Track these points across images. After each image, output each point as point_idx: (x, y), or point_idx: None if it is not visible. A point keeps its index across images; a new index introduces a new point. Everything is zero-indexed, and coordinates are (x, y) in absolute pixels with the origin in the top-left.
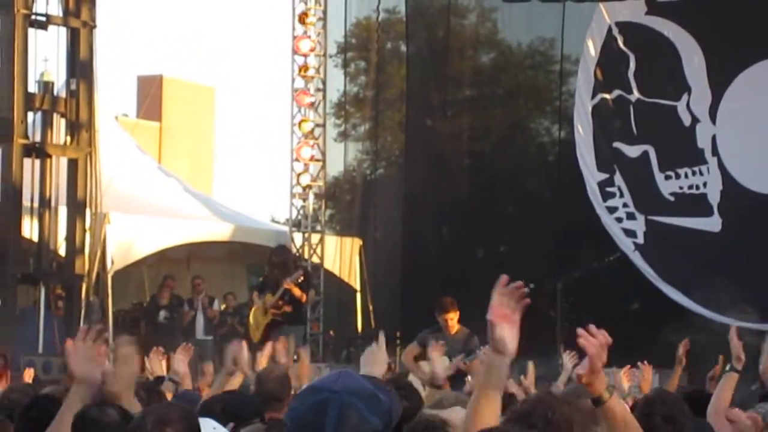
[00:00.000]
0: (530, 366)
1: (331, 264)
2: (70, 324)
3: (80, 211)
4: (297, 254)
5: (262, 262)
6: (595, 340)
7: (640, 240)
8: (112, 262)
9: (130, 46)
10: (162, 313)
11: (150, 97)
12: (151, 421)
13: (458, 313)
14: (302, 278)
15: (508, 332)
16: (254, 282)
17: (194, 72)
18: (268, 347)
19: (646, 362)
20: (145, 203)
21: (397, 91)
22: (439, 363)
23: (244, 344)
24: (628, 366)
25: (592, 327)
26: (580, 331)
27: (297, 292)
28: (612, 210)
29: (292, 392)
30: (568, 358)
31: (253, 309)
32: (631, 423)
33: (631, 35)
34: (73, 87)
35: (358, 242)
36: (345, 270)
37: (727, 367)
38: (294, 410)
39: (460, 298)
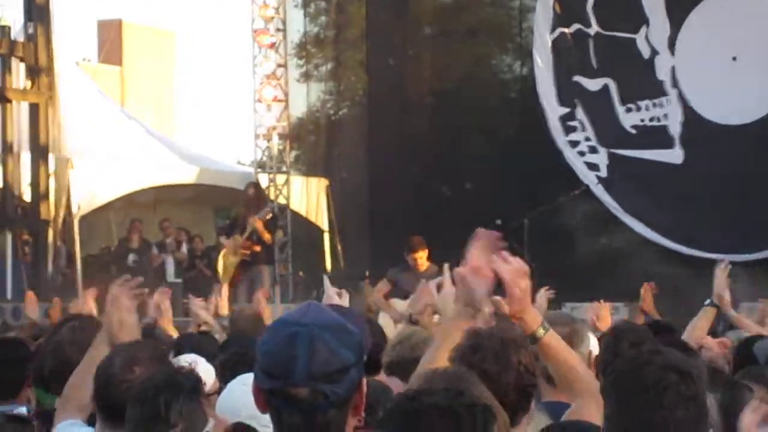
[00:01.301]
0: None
1: (297, 205)
2: (38, 269)
3: (43, 156)
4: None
5: (228, 205)
6: (509, 265)
7: (603, 173)
8: (78, 207)
9: None
10: (131, 257)
11: (110, 41)
12: (119, 362)
13: (427, 251)
14: (270, 216)
15: (480, 288)
16: (221, 224)
17: (154, 16)
18: (224, 290)
19: (602, 301)
20: (109, 147)
21: (358, 30)
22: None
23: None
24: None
25: (505, 253)
26: (492, 258)
27: (263, 231)
28: (574, 144)
29: None
30: (542, 294)
31: (222, 251)
32: (573, 359)
33: None
34: (31, 31)
35: (324, 182)
36: (312, 210)
37: (707, 302)
38: (264, 344)
39: (427, 235)
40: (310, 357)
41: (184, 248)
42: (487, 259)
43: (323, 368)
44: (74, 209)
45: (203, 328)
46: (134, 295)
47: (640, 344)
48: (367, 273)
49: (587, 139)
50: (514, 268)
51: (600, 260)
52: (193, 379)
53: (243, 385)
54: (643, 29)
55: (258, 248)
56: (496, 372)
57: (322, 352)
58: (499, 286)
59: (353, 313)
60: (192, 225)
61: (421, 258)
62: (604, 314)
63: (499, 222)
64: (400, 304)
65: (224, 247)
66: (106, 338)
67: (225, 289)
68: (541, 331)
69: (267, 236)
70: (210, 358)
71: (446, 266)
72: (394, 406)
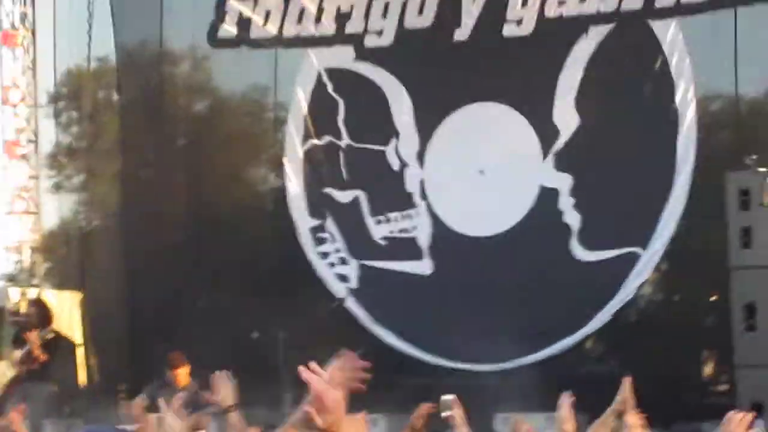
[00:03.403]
0: None
1: None
2: None
3: None
4: (13, 310)
5: None
6: (317, 375)
7: (354, 284)
8: None
9: None
10: None
11: None
12: None
13: (188, 366)
14: (50, 336)
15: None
16: None
17: None
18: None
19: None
20: None
21: (111, 141)
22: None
23: None
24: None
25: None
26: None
27: (39, 350)
28: (324, 255)
29: None
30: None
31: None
32: None
33: (340, 81)
34: None
35: (77, 295)
36: (65, 324)
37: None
38: None
39: (186, 347)
40: None
41: None
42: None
43: None
44: None
45: None
46: None
47: None
48: (123, 387)
49: (337, 250)
50: (323, 379)
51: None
52: None
53: None
54: (393, 141)
55: (35, 366)
56: None
57: None
58: None
59: None
60: None
61: (181, 375)
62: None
63: (256, 335)
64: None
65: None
66: None
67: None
68: None
69: (42, 356)
70: None
71: None
72: None
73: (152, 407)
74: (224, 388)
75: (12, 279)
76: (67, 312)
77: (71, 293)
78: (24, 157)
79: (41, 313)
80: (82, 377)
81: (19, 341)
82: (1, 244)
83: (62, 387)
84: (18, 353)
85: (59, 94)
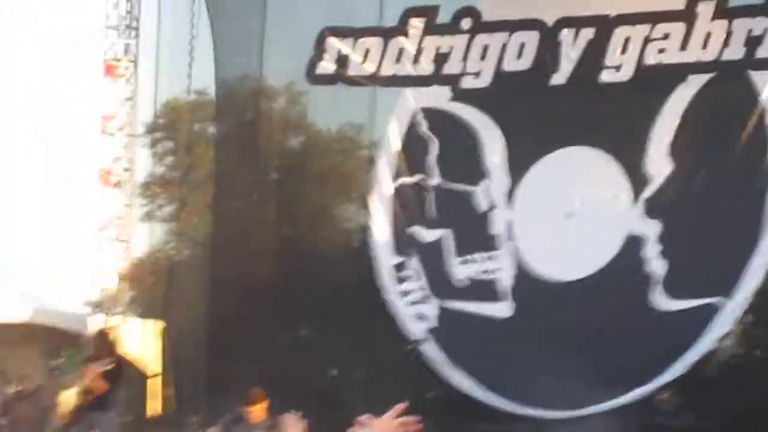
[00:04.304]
0: None
1: (132, 347)
2: None
3: None
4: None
5: (59, 345)
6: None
7: (433, 324)
8: None
9: None
10: None
11: None
12: None
13: (265, 403)
14: (111, 366)
15: None
16: (51, 366)
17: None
18: None
19: None
20: None
21: (205, 172)
22: None
23: None
24: None
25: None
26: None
27: (98, 380)
28: (405, 294)
29: None
30: None
31: (64, 392)
32: None
33: (435, 121)
34: None
35: (160, 325)
36: (147, 354)
37: None
38: None
39: (264, 382)
40: None
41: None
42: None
43: None
44: None
45: None
46: None
47: None
48: (195, 419)
49: (420, 289)
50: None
51: (432, 416)
52: None
53: None
54: (484, 182)
55: (98, 394)
56: None
57: None
58: None
59: None
60: (20, 364)
61: (257, 411)
62: None
63: (335, 373)
64: None
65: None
66: None
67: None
68: None
69: (102, 386)
70: None
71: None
72: None
73: None
74: (293, 430)
75: (97, 306)
76: (149, 341)
77: (154, 322)
78: (118, 185)
79: (103, 344)
80: (155, 407)
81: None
82: (89, 270)
83: (135, 417)
84: (81, 382)
85: (157, 125)
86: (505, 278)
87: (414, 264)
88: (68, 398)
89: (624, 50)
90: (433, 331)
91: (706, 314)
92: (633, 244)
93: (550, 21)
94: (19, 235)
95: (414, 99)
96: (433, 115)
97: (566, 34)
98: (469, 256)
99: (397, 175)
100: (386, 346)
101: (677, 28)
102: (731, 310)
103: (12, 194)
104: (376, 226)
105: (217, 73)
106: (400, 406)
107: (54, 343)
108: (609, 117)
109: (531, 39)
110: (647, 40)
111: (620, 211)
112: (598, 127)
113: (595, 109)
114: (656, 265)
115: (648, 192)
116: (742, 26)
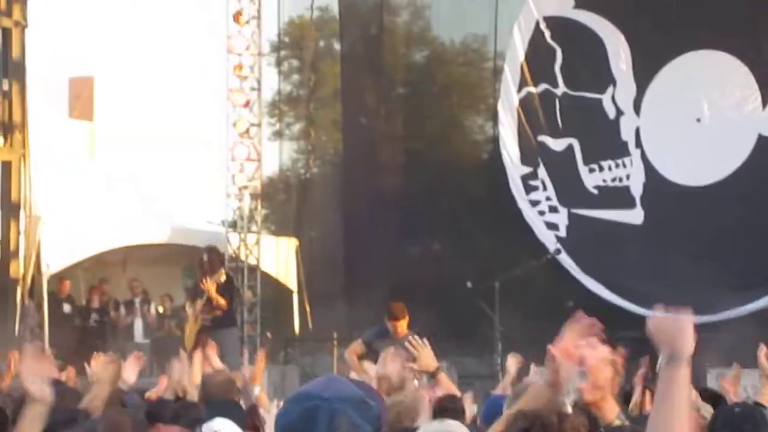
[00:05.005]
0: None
1: (267, 265)
2: (6, 328)
3: (15, 213)
4: (233, 255)
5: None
6: (596, 353)
7: (562, 233)
8: (48, 266)
9: (61, 46)
10: (93, 317)
11: (82, 98)
12: (103, 429)
13: (407, 318)
14: (223, 278)
15: (565, 371)
16: (188, 284)
17: (127, 73)
18: (197, 357)
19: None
20: (80, 206)
21: (331, 89)
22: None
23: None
24: None
25: (594, 340)
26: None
27: (213, 295)
28: (534, 203)
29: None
30: (512, 362)
31: (189, 319)
32: None
33: (558, 29)
34: (6, 88)
35: (294, 242)
36: (282, 271)
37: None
38: (283, 417)
39: (399, 295)
40: (331, 431)
41: (153, 308)
42: (577, 342)
43: None
44: (44, 268)
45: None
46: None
47: None
48: (335, 335)
49: (548, 198)
50: (600, 357)
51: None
52: None
53: None
54: (610, 89)
55: (218, 312)
56: None
57: (342, 426)
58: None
59: (369, 386)
60: (161, 284)
61: (401, 326)
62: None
63: (469, 284)
64: (371, 367)
65: (189, 314)
66: (37, 411)
67: (197, 357)
68: (617, 422)
69: (221, 301)
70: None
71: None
72: None
73: (368, 354)
74: (425, 355)
75: (232, 225)
76: (283, 259)
77: (288, 239)
78: (246, 104)
79: (213, 259)
80: (295, 324)
81: (197, 293)
82: (222, 190)
83: (276, 334)
84: (199, 303)
85: (282, 43)
86: (636, 185)
87: (542, 173)
88: (190, 324)
89: None
90: (563, 240)
91: None
92: (765, 147)
93: None
94: (155, 159)
95: (537, 7)
96: (556, 23)
97: None
98: (597, 165)
99: (522, 85)
100: (519, 255)
101: None
102: None
103: (146, 120)
104: (503, 137)
105: None
106: (578, 315)
107: (193, 262)
108: (736, 20)
109: None
110: None
111: (750, 113)
112: (725, 30)
113: (722, 12)
114: None
115: None
116: None
